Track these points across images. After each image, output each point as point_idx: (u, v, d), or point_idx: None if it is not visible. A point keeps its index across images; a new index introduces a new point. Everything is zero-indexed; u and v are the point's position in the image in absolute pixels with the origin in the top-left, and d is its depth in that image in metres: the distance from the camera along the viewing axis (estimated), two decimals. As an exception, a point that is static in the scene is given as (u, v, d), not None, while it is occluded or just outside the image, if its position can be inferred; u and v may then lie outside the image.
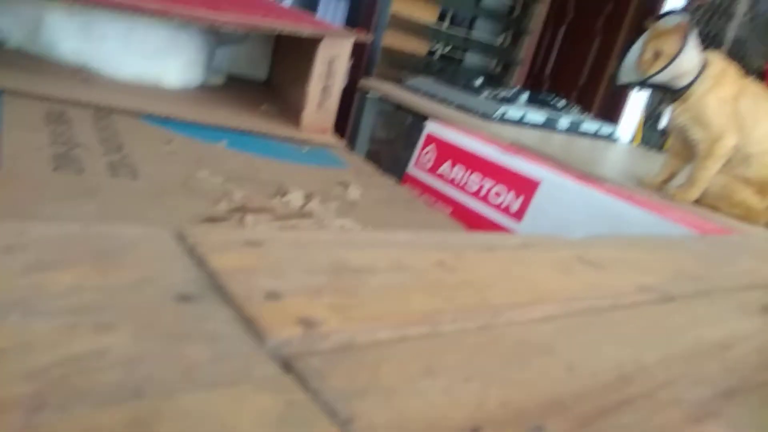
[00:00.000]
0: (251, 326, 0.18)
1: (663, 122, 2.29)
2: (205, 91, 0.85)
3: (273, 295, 0.20)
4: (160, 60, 0.78)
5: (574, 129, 1.51)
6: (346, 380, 0.16)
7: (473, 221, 0.73)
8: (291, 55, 0.87)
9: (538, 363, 0.20)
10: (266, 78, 1.03)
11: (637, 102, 2.39)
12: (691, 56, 0.88)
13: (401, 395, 0.16)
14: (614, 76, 0.99)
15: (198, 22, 0.69)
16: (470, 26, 2.28)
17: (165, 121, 0.65)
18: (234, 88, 0.90)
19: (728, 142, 0.89)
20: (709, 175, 0.91)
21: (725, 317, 0.29)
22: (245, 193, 0.53)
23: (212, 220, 0.46)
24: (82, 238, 0.21)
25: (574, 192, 0.65)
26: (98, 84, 0.72)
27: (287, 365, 0.16)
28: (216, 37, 0.84)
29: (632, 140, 2.31)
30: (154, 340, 0.16)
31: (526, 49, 2.18)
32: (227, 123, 0.71)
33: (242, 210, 0.49)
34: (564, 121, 1.50)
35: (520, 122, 1.38)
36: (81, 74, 0.73)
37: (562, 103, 1.62)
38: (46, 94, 0.61)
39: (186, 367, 0.15)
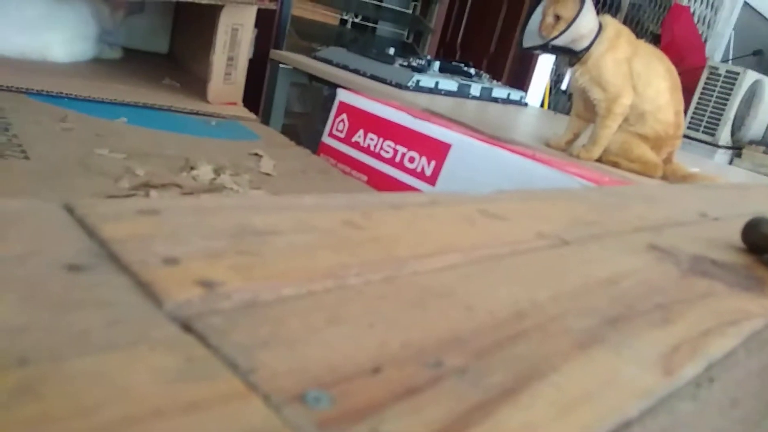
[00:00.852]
0: (148, 291, 0.17)
1: (565, 85, 2.39)
2: (101, 65, 0.80)
3: (171, 261, 0.19)
4: (43, 33, 0.73)
5: (485, 96, 1.55)
6: (248, 335, 0.17)
7: (389, 187, 0.74)
8: (193, 26, 0.84)
9: (439, 306, 0.21)
10: (167, 51, 0.98)
11: (544, 68, 2.48)
12: (587, 20, 0.92)
13: (304, 344, 0.17)
14: (519, 42, 1.02)
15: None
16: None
17: (57, 98, 0.61)
18: (133, 61, 0.86)
19: (625, 101, 0.95)
20: (609, 133, 0.97)
21: (614, 257, 0.32)
22: (149, 169, 0.51)
23: (113, 197, 0.44)
24: (-44, 214, 0.19)
25: (484, 153, 0.67)
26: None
27: (186, 326, 0.16)
28: (109, 7, 0.79)
29: (541, 105, 2.41)
30: (41, 309, 0.15)
31: (436, 18, 2.20)
32: (126, 98, 0.68)
33: (146, 187, 0.47)
34: (475, 88, 1.53)
35: (433, 90, 1.40)
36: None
37: (473, 71, 1.65)
38: None
39: (76, 333, 0.15)
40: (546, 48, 0.97)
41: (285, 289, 0.20)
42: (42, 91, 0.61)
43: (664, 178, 0.99)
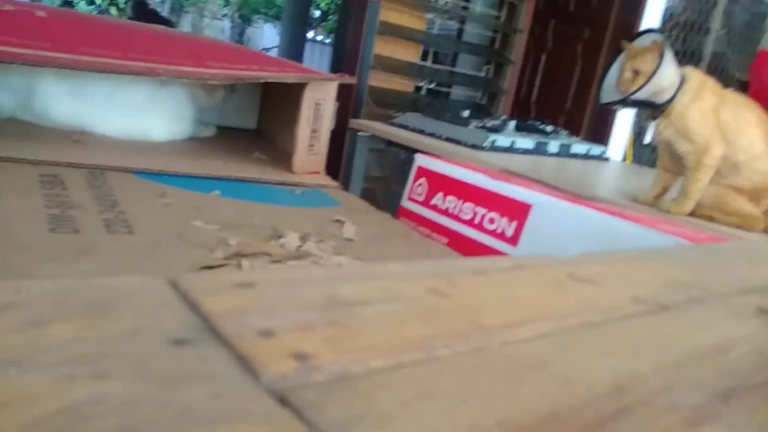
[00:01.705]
0: (246, 364, 0.18)
1: (648, 138, 2.31)
2: (195, 143, 0.87)
3: (266, 333, 0.20)
4: (146, 115, 0.80)
5: (564, 152, 1.53)
6: (342, 409, 0.17)
7: (470, 249, 0.73)
8: (279, 103, 0.89)
9: (533, 379, 0.20)
10: (256, 126, 1.05)
11: (624, 121, 2.42)
12: (668, 72, 0.90)
13: (397, 420, 0.17)
14: (596, 98, 1.01)
15: (184, 77, 0.71)
16: (453, 61, 2.33)
17: (158, 175, 0.67)
18: (225, 138, 0.92)
19: (715, 152, 0.90)
20: (701, 186, 0.92)
21: (719, 322, 0.29)
22: (240, 239, 0.53)
23: (209, 268, 0.46)
24: (77, 292, 0.21)
25: (567, 212, 0.66)
26: (90, 144, 0.74)
27: (283, 399, 0.17)
28: (205, 90, 0.86)
29: (623, 159, 2.34)
30: (150, 384, 0.16)
31: (509, 79, 2.23)
32: (219, 173, 0.72)
33: (238, 256, 0.49)
34: (553, 146, 1.52)
35: (509, 150, 1.40)
36: (74, 136, 0.75)
37: (549, 128, 1.64)
38: (39, 159, 0.62)
39: (182, 407, 0.15)
40: (625, 103, 0.95)
41: (374, 361, 0.20)
42: (145, 169, 0.66)
43: (767, 231, 0.92)
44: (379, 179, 1.85)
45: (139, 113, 0.80)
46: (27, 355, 0.17)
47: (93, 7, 5.82)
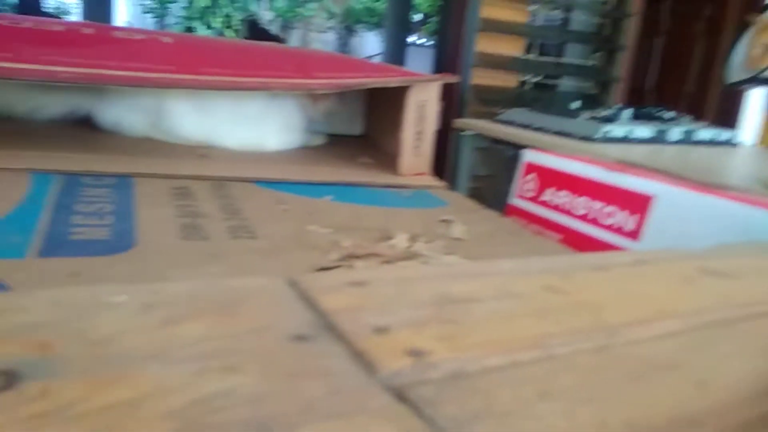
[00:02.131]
0: (362, 360, 0.18)
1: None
2: (307, 151, 0.90)
3: (381, 330, 0.20)
4: (261, 127, 0.85)
5: (687, 139, 1.42)
6: (460, 407, 0.17)
7: (586, 245, 0.70)
8: (383, 107, 0.91)
9: (663, 380, 0.19)
10: (362, 132, 1.07)
11: (756, 102, 2.20)
12: (809, 42, 0.80)
13: (517, 419, 0.16)
14: (723, 79, 0.93)
15: (294, 89, 0.74)
16: (560, 52, 2.25)
17: (275, 183, 0.70)
18: (334, 145, 0.95)
19: None
20: None
21: None
22: (353, 241, 0.55)
23: (324, 269, 0.48)
24: (207, 292, 0.23)
25: (694, 203, 0.61)
26: (214, 158, 0.80)
27: (400, 395, 0.17)
28: (314, 100, 0.90)
29: (756, 143, 2.12)
30: (275, 378, 0.17)
31: (622, 66, 2.10)
32: (331, 179, 0.75)
33: (351, 257, 0.51)
34: (675, 133, 1.41)
35: (625, 140, 1.32)
36: (198, 151, 0.81)
37: (669, 114, 1.53)
38: (170, 173, 0.67)
39: (305, 402, 0.16)
40: (756, 81, 0.87)
41: (490, 359, 0.20)
42: (264, 179, 0.70)
43: None
44: (485, 178, 1.82)
45: (254, 126, 0.85)
46: (165, 351, 0.18)
47: (211, 30, 6.28)
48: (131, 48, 0.76)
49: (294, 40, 7.12)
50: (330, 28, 7.63)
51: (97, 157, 0.70)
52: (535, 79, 2.14)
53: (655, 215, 0.64)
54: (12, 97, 0.84)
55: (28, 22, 0.76)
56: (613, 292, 0.27)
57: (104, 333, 0.18)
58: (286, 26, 7.24)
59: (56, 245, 0.45)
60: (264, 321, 0.21)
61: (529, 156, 0.84)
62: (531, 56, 2.03)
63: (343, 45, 7.58)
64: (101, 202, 0.56)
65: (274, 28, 6.57)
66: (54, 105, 0.85)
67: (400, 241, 0.58)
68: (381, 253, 0.54)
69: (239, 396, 0.16)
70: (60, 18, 4.41)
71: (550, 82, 2.16)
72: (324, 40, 7.48)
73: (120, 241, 0.48)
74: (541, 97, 2.04)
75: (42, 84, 0.76)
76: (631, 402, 0.17)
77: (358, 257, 0.51)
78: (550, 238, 0.74)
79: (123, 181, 0.63)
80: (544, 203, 0.79)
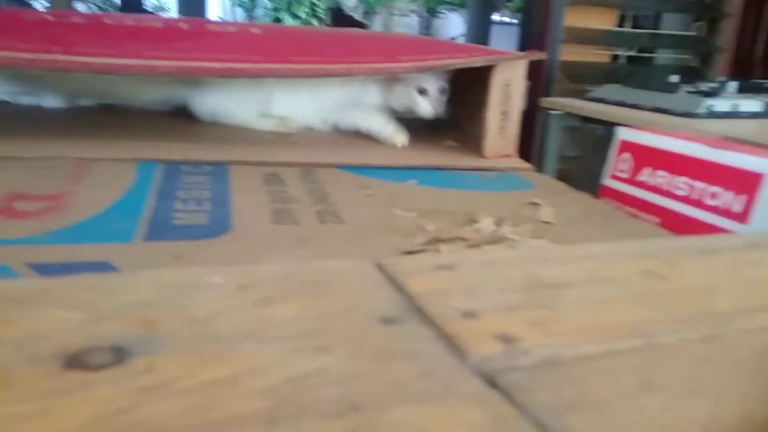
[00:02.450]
0: (451, 344, 0.18)
1: None
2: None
3: (469, 314, 0.20)
4: (347, 112, 0.86)
5: (803, 112, 1.29)
6: (554, 395, 0.16)
7: (687, 228, 0.65)
8: (467, 89, 0.89)
9: (783, 373, 0.17)
10: (446, 115, 1.06)
11: None
12: None
13: (616, 410, 0.15)
14: None
15: (378, 73, 0.74)
16: (656, 23, 2.11)
17: (359, 168, 0.71)
18: (417, 128, 0.95)
19: None
20: None
21: None
22: (437, 225, 0.54)
23: (409, 253, 0.48)
24: (298, 274, 0.23)
25: (814, 181, 0.55)
26: (302, 144, 0.82)
27: (491, 381, 0.17)
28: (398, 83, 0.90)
29: None
30: (365, 359, 0.17)
31: (726, 36, 1.94)
32: (415, 163, 0.74)
33: (436, 241, 0.50)
34: (788, 105, 1.29)
35: (731, 115, 1.23)
36: (288, 139, 0.83)
37: (783, 85, 1.40)
38: (262, 160, 0.70)
39: (394, 383, 0.16)
40: None
41: (586, 346, 0.19)
42: (349, 164, 0.71)
43: None
44: (574, 159, 1.75)
45: (341, 111, 0.87)
46: (260, 330, 0.19)
47: (297, 20, 6.43)
48: (223, 40, 0.79)
49: (377, 24, 7.14)
50: (412, 11, 7.58)
51: (195, 146, 0.73)
52: (628, 53, 2.02)
53: (766, 195, 0.59)
54: (116, 87, 0.90)
55: (130, 19, 0.81)
56: (722, 277, 0.25)
57: (203, 312, 0.19)
58: (369, 12, 7.27)
59: (160, 230, 0.48)
60: (352, 303, 0.21)
61: (623, 134, 0.79)
62: (624, 29, 1.92)
63: (426, 27, 7.52)
64: (200, 188, 0.59)
65: (357, 15, 6.62)
66: (153, 94, 0.90)
67: (486, 224, 0.56)
68: (466, 237, 0.53)
69: (331, 375, 0.16)
70: (158, 15, 4.68)
71: (645, 55, 2.03)
72: (406, 24, 7.45)
73: (217, 226, 0.50)
74: (635, 72, 1.93)
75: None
76: (745, 396, 0.16)
77: (443, 241, 0.51)
78: (646, 221, 0.70)
79: (219, 169, 0.66)
80: (640, 184, 0.74)
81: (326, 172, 0.69)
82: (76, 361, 0.16)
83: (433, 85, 0.84)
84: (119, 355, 0.16)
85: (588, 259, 0.26)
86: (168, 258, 0.43)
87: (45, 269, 0.40)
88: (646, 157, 0.76)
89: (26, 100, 0.91)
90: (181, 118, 0.90)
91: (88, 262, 0.42)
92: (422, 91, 0.83)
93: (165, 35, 0.78)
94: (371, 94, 0.86)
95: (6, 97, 0.92)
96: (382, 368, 0.17)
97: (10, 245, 0.43)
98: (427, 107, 0.84)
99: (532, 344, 0.18)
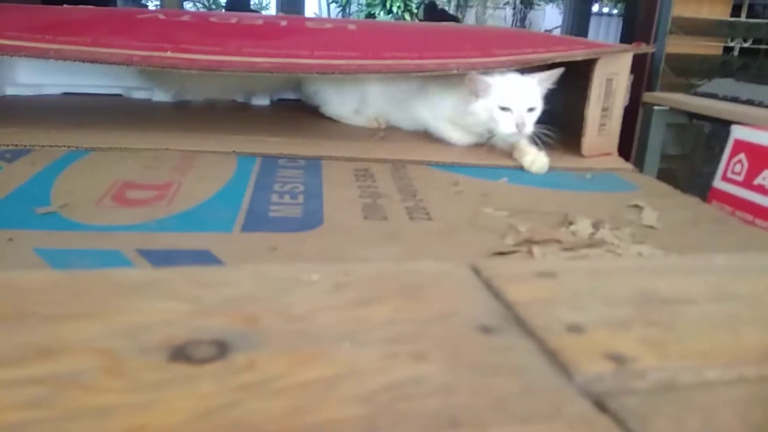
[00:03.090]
0: (556, 360, 0.17)
1: None
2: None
3: (575, 328, 0.19)
4: (441, 110, 0.84)
5: None
6: (673, 424, 0.15)
7: (813, 239, 0.59)
8: (567, 84, 0.85)
9: None
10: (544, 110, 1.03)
11: None
12: None
13: (747, 448, 0.14)
14: None
15: (474, 68, 0.73)
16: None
17: (450, 167, 0.70)
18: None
19: None
20: None
21: None
22: (530, 225, 0.52)
23: (501, 253, 0.46)
24: (393, 275, 0.23)
25: None
26: (392, 140, 0.82)
27: (600, 404, 0.15)
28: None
29: None
30: (463, 370, 0.17)
31: None
32: (506, 161, 0.72)
33: (529, 242, 0.48)
34: None
35: None
36: (379, 134, 0.84)
37: None
38: (353, 156, 0.70)
39: (495, 398, 0.15)
40: None
41: (709, 371, 0.17)
42: (439, 162, 0.70)
43: None
44: (678, 158, 1.64)
45: (434, 108, 0.85)
46: (356, 331, 0.19)
47: (391, 15, 6.47)
48: (320, 37, 0.80)
49: (470, 18, 7.04)
50: (506, 3, 7.41)
51: (291, 140, 0.75)
52: (743, 45, 1.86)
53: None
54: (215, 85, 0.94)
55: (234, 18, 0.84)
56: None
57: (301, 310, 0.19)
58: (462, 5, 7.18)
59: (257, 221, 0.50)
60: (449, 307, 0.20)
61: (738, 132, 0.73)
62: (739, 18, 1.77)
63: (520, 20, 7.32)
64: (294, 182, 0.61)
65: (450, 8, 6.56)
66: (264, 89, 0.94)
67: (583, 227, 0.54)
68: (561, 239, 0.50)
69: (429, 385, 0.16)
70: (260, 12, 4.87)
71: (762, 47, 1.86)
72: (500, 17, 7.29)
73: (310, 219, 0.51)
74: (750, 64, 1.77)
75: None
76: None
77: (536, 243, 0.49)
78: (764, 228, 0.64)
79: (312, 164, 0.68)
80: (757, 188, 0.68)
81: (416, 169, 0.69)
82: (181, 354, 0.16)
83: (521, 103, 0.72)
84: (222, 349, 0.17)
85: (708, 272, 0.23)
86: (264, 249, 0.44)
87: (152, 255, 0.42)
88: (764, 158, 0.70)
89: (139, 94, 0.98)
90: (278, 115, 0.93)
91: (191, 250, 0.44)
92: (505, 108, 0.71)
93: (266, 33, 0.81)
94: (444, 104, 0.81)
95: (120, 92, 0.99)
96: (483, 382, 0.16)
97: (122, 231, 0.46)
98: (508, 126, 0.71)
99: (647, 366, 0.17)
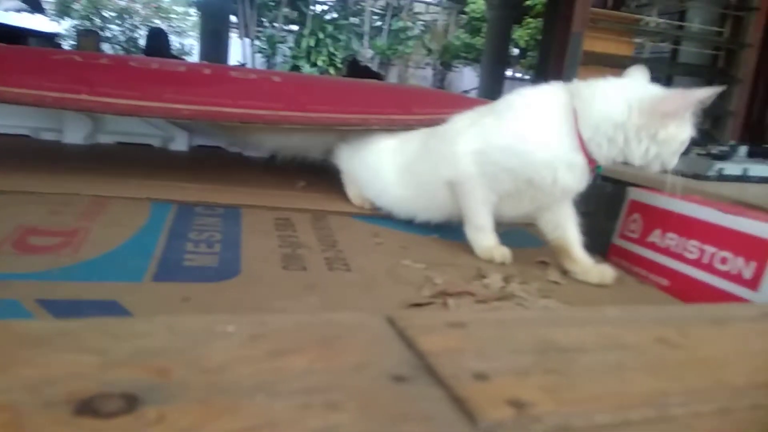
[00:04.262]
0: (462, 407, 0.18)
1: None
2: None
3: (481, 376, 0.20)
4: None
5: (814, 179, 1.29)
6: (566, 466, 0.16)
7: (696, 293, 0.65)
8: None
9: (800, 454, 0.17)
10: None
11: None
12: None
13: (629, 485, 0.15)
14: None
15: (394, 125, 0.76)
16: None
17: (371, 217, 0.71)
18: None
19: None
20: None
21: None
22: (446, 278, 0.54)
23: (417, 305, 0.48)
24: (310, 326, 0.23)
25: (826, 251, 0.55)
26: (314, 190, 0.82)
27: (502, 447, 0.16)
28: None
29: None
30: (375, 419, 0.17)
31: (737, 100, 1.97)
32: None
33: (444, 294, 0.50)
34: (800, 172, 1.29)
35: (741, 179, 1.23)
36: (299, 184, 0.84)
37: (793, 151, 1.41)
38: (275, 205, 0.71)
39: (405, 445, 0.16)
40: None
41: (598, 415, 0.18)
42: (360, 213, 0.72)
43: None
44: (584, 215, 1.76)
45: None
46: (271, 383, 0.19)
47: (316, 68, 6.59)
48: (244, 87, 0.81)
49: (392, 75, 7.31)
50: (427, 63, 7.77)
51: (209, 187, 0.74)
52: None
53: (779, 263, 0.59)
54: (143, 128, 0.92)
55: (155, 63, 0.84)
56: (734, 349, 0.25)
57: (216, 362, 0.19)
58: (385, 63, 7.46)
59: (170, 271, 0.48)
60: (364, 358, 0.21)
61: (634, 194, 0.80)
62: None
63: (440, 80, 7.69)
64: (212, 230, 0.60)
65: (374, 65, 6.78)
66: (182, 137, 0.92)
67: (495, 280, 0.56)
68: (474, 292, 0.53)
69: (341, 434, 0.16)
70: (182, 59, 4.82)
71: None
72: (420, 76, 7.62)
73: (227, 269, 0.50)
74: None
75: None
76: (762, 477, 0.16)
77: (450, 295, 0.51)
78: (656, 283, 0.70)
79: (231, 212, 0.67)
80: (650, 245, 0.74)
81: (337, 219, 0.70)
82: (87, 408, 0.16)
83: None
84: (131, 403, 0.16)
85: (601, 324, 0.26)
86: (176, 300, 0.43)
87: (54, 306, 0.40)
88: (656, 218, 0.76)
89: (47, 135, 0.93)
90: (197, 161, 0.92)
91: (97, 300, 0.42)
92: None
93: (188, 79, 0.80)
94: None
95: (27, 132, 0.94)
96: (394, 430, 0.17)
97: (21, 280, 0.44)
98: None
99: (544, 411, 0.18)
